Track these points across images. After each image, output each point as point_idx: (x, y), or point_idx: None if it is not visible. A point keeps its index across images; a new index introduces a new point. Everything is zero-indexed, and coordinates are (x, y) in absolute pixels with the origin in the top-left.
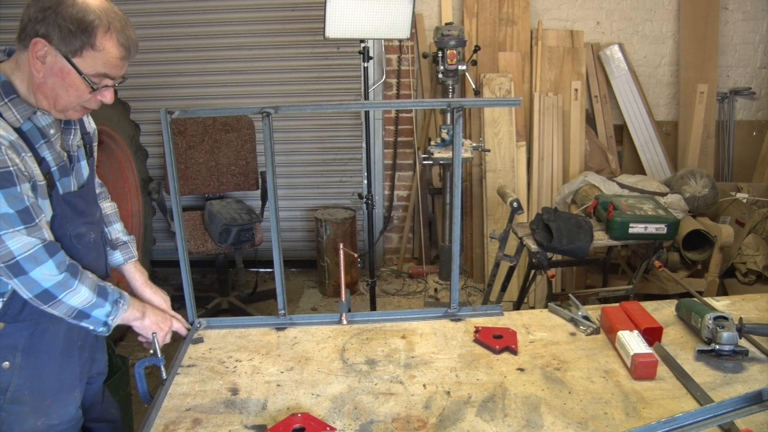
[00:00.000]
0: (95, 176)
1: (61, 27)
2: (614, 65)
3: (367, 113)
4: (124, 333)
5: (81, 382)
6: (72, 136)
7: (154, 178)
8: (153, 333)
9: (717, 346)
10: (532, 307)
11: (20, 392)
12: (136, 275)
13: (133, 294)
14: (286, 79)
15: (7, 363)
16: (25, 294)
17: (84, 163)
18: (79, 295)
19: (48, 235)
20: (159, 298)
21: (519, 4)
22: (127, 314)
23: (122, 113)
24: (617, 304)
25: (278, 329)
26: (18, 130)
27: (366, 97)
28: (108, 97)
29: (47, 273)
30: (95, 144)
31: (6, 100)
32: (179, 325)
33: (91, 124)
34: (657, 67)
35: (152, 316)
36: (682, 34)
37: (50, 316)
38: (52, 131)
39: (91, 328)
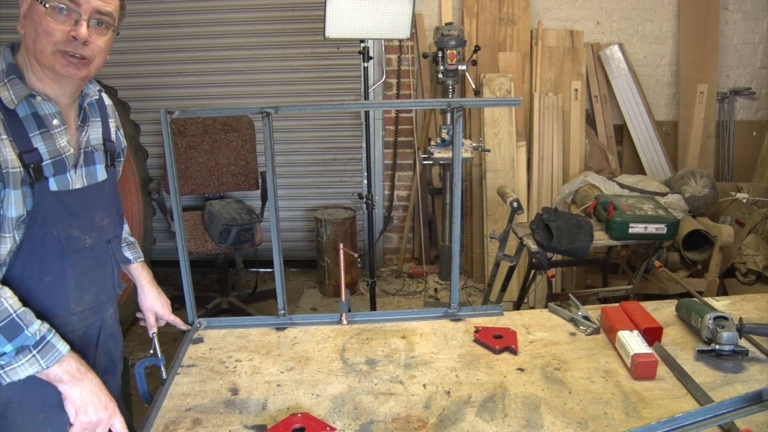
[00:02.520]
0: (115, 187)
1: None
2: (614, 65)
3: (367, 113)
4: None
5: None
6: (85, 134)
7: (154, 178)
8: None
9: (717, 346)
10: (532, 307)
11: (10, 406)
12: (143, 273)
13: (142, 295)
14: (286, 79)
15: None
16: None
17: (100, 168)
18: None
19: None
20: (163, 299)
21: (519, 4)
22: (48, 371)
23: (122, 113)
24: (617, 304)
25: (278, 329)
26: (13, 113)
27: (366, 97)
28: (80, 31)
29: None
30: (120, 159)
31: (5, 81)
32: (121, 425)
33: (120, 139)
34: (657, 67)
35: (84, 394)
36: (682, 34)
37: None
38: (55, 122)
39: None
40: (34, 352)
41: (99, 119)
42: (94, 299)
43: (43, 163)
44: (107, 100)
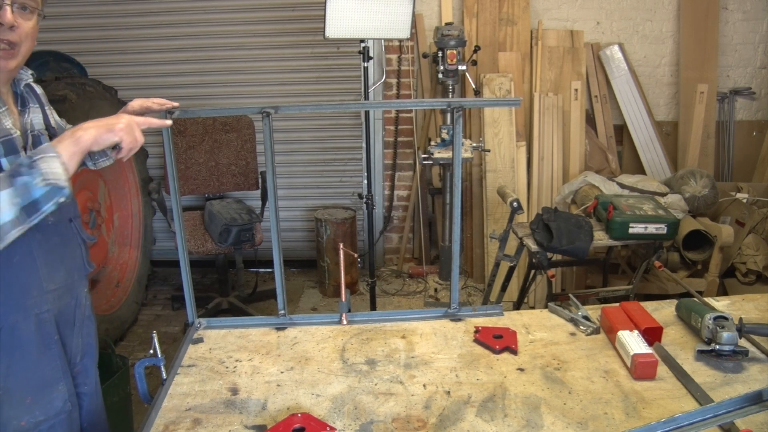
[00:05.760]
0: None
1: None
2: (614, 65)
3: (367, 113)
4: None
5: (65, 375)
6: (27, 117)
7: (154, 178)
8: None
9: (717, 346)
10: (532, 307)
11: None
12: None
13: None
14: (286, 79)
15: None
16: None
17: None
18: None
19: None
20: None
21: (519, 4)
22: (66, 156)
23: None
24: (617, 304)
25: (278, 329)
26: None
27: (366, 97)
28: (5, 16)
29: None
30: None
31: None
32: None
33: (61, 125)
34: (657, 67)
35: (93, 129)
36: (682, 34)
37: (16, 311)
38: None
39: (59, 200)
40: (37, 161)
41: (38, 105)
42: (66, 277)
43: None
44: (38, 89)
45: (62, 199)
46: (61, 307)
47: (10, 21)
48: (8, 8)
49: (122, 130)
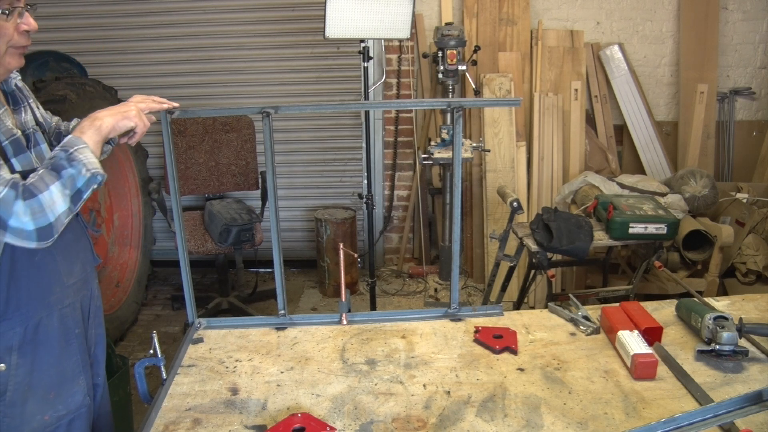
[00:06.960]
0: None
1: None
2: (614, 65)
3: (367, 113)
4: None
5: (84, 368)
6: (24, 115)
7: (154, 178)
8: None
9: (717, 346)
10: (532, 307)
11: (20, 392)
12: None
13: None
14: (286, 79)
15: (2, 365)
16: (27, 242)
17: (45, 147)
18: (54, 197)
19: None
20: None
21: (519, 4)
22: (92, 145)
23: None
24: (617, 304)
25: (278, 329)
26: None
27: (366, 97)
28: (31, 22)
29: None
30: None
31: None
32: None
33: (47, 119)
34: (657, 67)
35: (110, 118)
36: (682, 34)
37: (41, 309)
38: None
39: (95, 186)
40: (73, 152)
41: (27, 103)
42: (82, 270)
43: (3, 144)
44: (20, 83)
45: (96, 186)
46: (80, 299)
47: (35, 26)
48: (28, 14)
49: (136, 116)
